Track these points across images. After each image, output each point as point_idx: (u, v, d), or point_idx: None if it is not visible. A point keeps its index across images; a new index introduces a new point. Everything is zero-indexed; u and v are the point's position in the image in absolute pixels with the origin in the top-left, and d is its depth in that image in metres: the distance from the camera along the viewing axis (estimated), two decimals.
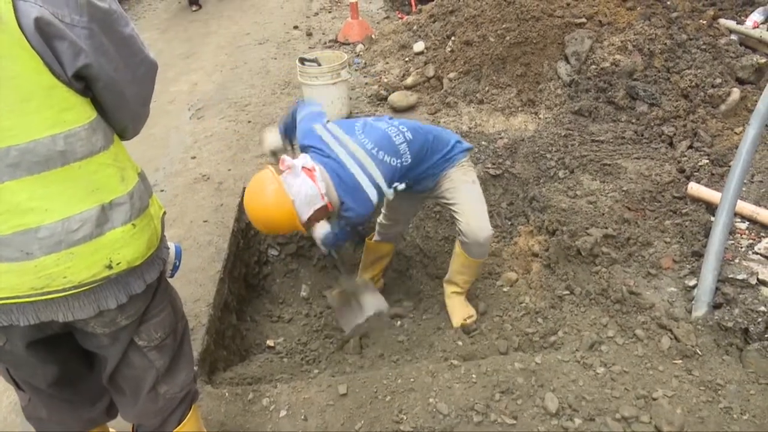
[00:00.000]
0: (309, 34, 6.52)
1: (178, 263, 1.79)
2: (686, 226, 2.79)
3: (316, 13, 7.41)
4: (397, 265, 3.45)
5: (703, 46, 4.03)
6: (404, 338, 2.84)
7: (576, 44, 4.20)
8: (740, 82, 3.91)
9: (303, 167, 2.12)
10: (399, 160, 2.24)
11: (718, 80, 3.78)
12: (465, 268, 2.71)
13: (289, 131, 2.61)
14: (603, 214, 2.94)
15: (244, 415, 2.15)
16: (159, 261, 1.40)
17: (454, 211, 2.51)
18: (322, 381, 2.29)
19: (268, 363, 2.76)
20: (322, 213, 2.17)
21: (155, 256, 1.37)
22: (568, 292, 2.70)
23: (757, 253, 2.50)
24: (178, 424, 1.62)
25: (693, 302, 2.37)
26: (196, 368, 2.27)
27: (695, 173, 3.20)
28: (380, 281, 3.24)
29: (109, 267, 1.24)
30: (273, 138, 2.65)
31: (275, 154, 2.66)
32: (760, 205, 2.75)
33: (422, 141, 2.36)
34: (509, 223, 3.40)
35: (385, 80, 4.91)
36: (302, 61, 4.24)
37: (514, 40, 4.33)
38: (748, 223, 2.72)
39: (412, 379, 2.21)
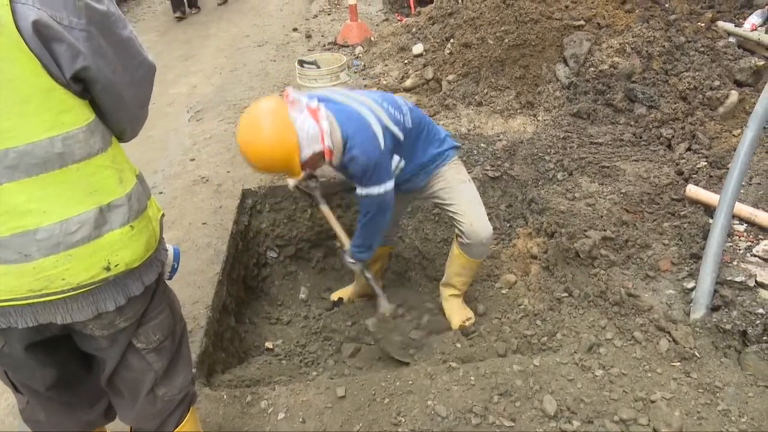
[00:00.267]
0: (308, 37, 6.53)
1: (176, 265, 1.79)
2: (684, 229, 2.79)
3: (316, 16, 7.43)
4: (396, 267, 3.46)
5: (702, 49, 4.04)
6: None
7: (574, 47, 4.21)
8: (738, 84, 3.92)
9: (308, 106, 2.03)
10: (402, 117, 2.22)
11: (717, 83, 3.78)
12: (464, 269, 2.71)
13: None
14: (601, 216, 2.94)
15: (242, 418, 2.15)
16: (157, 263, 1.40)
17: (453, 212, 2.49)
18: (320, 383, 2.28)
19: (266, 365, 2.76)
20: (318, 159, 2.07)
21: (154, 257, 1.37)
22: (566, 294, 2.70)
23: (755, 256, 2.50)
24: (176, 427, 1.62)
25: (691, 304, 2.37)
26: (194, 370, 2.27)
27: (693, 175, 3.21)
28: (379, 283, 3.24)
29: (108, 269, 1.24)
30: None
31: (299, 188, 2.61)
32: (758, 208, 2.76)
33: (420, 116, 2.36)
34: (508, 225, 3.41)
35: (384, 82, 4.92)
36: (301, 63, 4.24)
37: (512, 42, 4.33)
38: (746, 225, 2.73)
39: (410, 382, 2.21)
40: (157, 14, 7.99)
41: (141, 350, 1.45)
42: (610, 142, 3.67)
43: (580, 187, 3.23)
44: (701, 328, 2.28)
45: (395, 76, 5.00)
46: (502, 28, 4.41)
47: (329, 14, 7.44)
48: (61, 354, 1.45)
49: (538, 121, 4.07)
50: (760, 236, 2.63)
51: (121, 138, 1.33)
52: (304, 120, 1.96)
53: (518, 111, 4.21)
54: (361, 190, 2.19)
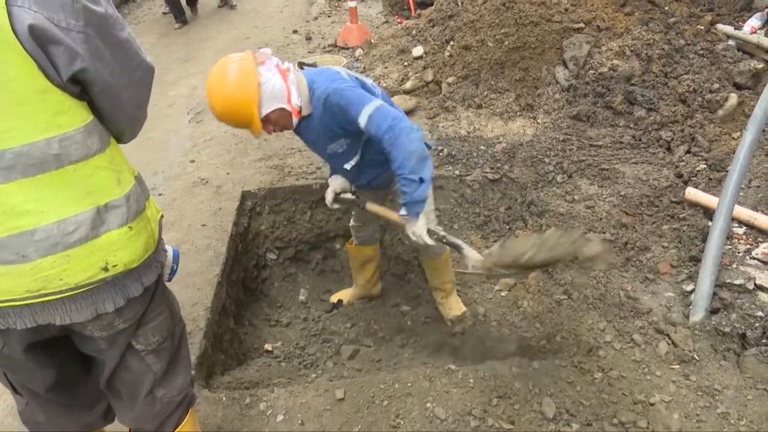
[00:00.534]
0: (308, 39, 6.54)
1: (175, 267, 1.79)
2: (684, 231, 2.79)
3: (316, 18, 7.43)
4: (396, 270, 3.46)
5: (701, 52, 4.05)
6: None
7: (574, 49, 4.21)
8: (738, 87, 3.92)
9: (277, 66, 2.06)
10: (374, 90, 2.23)
11: (716, 85, 3.79)
12: (434, 270, 2.79)
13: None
14: (601, 218, 2.94)
15: (241, 420, 2.14)
16: (156, 264, 1.40)
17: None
18: (319, 385, 2.28)
19: (265, 367, 2.75)
20: (283, 117, 2.07)
21: (152, 259, 1.38)
22: (565, 296, 2.70)
23: (754, 258, 2.51)
24: (175, 428, 1.62)
25: (690, 307, 2.37)
26: (193, 372, 2.27)
27: (693, 178, 3.21)
28: (378, 285, 3.24)
29: (105, 269, 1.24)
30: (335, 183, 2.49)
31: (338, 200, 2.50)
32: (757, 210, 2.76)
33: (390, 103, 2.31)
34: (507, 227, 3.41)
35: (384, 85, 4.92)
36: (301, 65, 4.24)
37: (512, 45, 4.34)
38: (745, 228, 2.73)
39: (409, 384, 2.21)
40: (158, 16, 7.99)
41: (140, 352, 1.45)
42: (609, 145, 3.67)
43: (580, 189, 3.24)
44: (700, 330, 2.28)
45: (395, 78, 5.00)
46: (502, 31, 4.42)
47: (329, 16, 7.45)
48: (60, 355, 1.45)
49: (538, 123, 4.07)
50: (760, 239, 2.64)
51: (120, 139, 1.34)
52: (271, 77, 2.00)
53: (518, 113, 4.21)
54: (361, 121, 2.01)
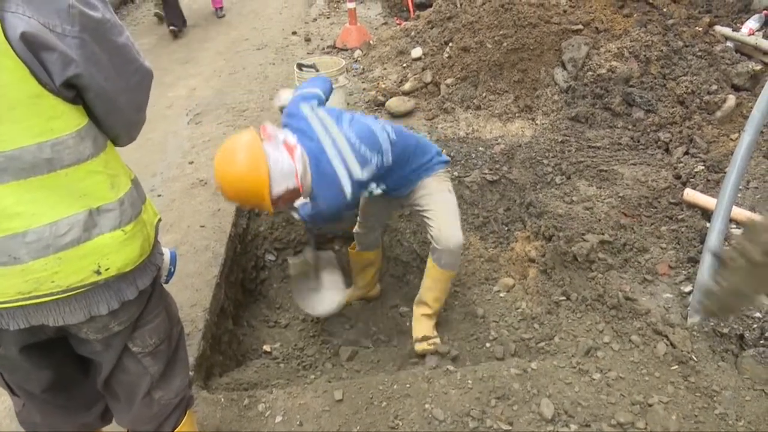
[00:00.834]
0: (307, 40, 6.55)
1: (173, 269, 1.79)
2: (682, 232, 2.80)
3: (315, 19, 7.44)
4: (394, 271, 3.46)
5: (699, 53, 4.06)
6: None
7: (573, 51, 4.22)
8: (736, 88, 3.93)
9: (285, 142, 2.05)
10: (380, 158, 2.19)
11: (714, 87, 3.80)
12: (435, 282, 2.62)
13: None
14: (599, 219, 2.95)
15: (239, 421, 2.14)
16: (152, 267, 1.40)
17: (426, 218, 2.46)
18: (318, 386, 2.28)
19: (264, 368, 2.75)
20: (292, 195, 2.09)
21: (148, 262, 1.37)
22: (564, 297, 2.70)
23: None
24: (173, 430, 1.61)
25: (689, 308, 2.37)
26: (191, 373, 2.27)
27: (691, 179, 3.21)
28: (376, 287, 3.24)
29: (98, 272, 1.24)
30: (287, 96, 2.54)
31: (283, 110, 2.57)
32: (755, 211, 2.77)
33: (404, 145, 2.34)
34: (506, 228, 3.41)
35: (383, 86, 4.93)
36: (300, 66, 4.24)
37: (511, 46, 4.35)
38: (743, 229, 2.73)
39: (408, 385, 2.21)
40: (156, 18, 7.99)
41: (137, 354, 1.44)
42: (608, 146, 3.68)
43: (578, 190, 3.24)
44: (698, 331, 2.28)
45: (394, 79, 5.01)
46: (501, 32, 4.42)
47: (328, 18, 7.46)
48: (56, 357, 1.45)
49: (537, 124, 4.08)
50: None
51: (117, 143, 1.33)
52: (279, 157, 1.99)
53: (516, 115, 4.22)
54: (304, 207, 2.22)
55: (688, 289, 2.48)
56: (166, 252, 1.73)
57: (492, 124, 4.16)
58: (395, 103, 4.47)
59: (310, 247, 2.73)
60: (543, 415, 2.04)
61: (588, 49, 4.22)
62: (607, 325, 2.44)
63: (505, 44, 4.36)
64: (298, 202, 2.23)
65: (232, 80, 5.60)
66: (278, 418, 2.13)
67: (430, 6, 5.83)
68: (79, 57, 1.09)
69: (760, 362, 2.12)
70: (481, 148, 3.81)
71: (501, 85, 4.38)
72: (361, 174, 2.12)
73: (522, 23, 4.40)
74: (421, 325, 2.71)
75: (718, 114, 3.71)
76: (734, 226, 2.74)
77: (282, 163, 1.98)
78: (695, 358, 2.21)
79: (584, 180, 3.34)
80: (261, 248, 3.52)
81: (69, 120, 1.14)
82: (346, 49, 6.04)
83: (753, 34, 4.29)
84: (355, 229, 2.88)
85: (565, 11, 4.50)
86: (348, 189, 2.10)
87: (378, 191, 2.30)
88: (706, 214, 2.86)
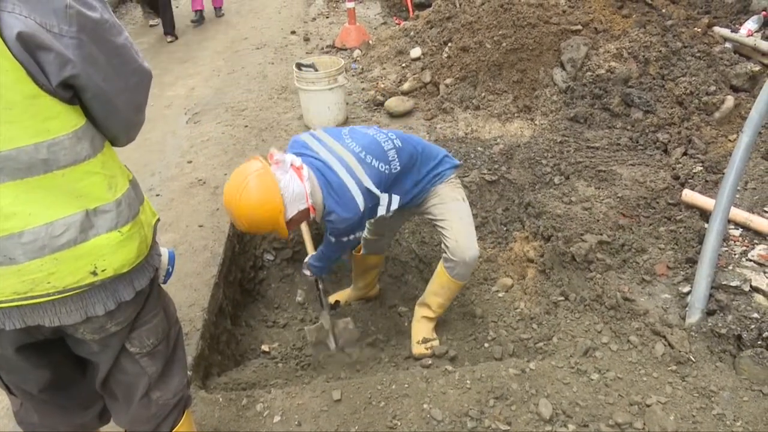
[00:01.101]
0: (306, 40, 6.54)
1: (171, 269, 1.78)
2: (680, 233, 2.80)
3: (314, 19, 7.44)
4: (393, 271, 3.46)
5: (698, 54, 4.06)
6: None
7: (572, 51, 4.23)
8: (734, 89, 3.94)
9: (292, 164, 2.07)
10: (387, 166, 2.21)
11: (713, 88, 3.80)
12: (443, 289, 2.60)
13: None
14: (598, 220, 2.95)
15: (237, 421, 2.14)
16: (149, 268, 1.39)
17: (442, 228, 2.46)
18: (316, 386, 2.28)
19: (262, 368, 2.75)
20: (304, 215, 2.11)
21: (145, 263, 1.36)
22: (562, 298, 2.71)
23: (750, 260, 2.51)
24: (171, 430, 1.61)
25: (687, 309, 2.37)
26: (190, 373, 2.27)
27: (689, 180, 3.22)
28: (375, 287, 3.24)
29: (94, 273, 1.23)
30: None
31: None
32: (753, 212, 2.77)
33: (411, 150, 2.35)
34: (505, 228, 3.41)
35: (382, 86, 4.93)
36: (299, 66, 4.24)
37: (510, 46, 4.35)
38: (741, 230, 2.73)
39: (406, 385, 2.21)
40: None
41: (134, 354, 1.44)
42: (606, 147, 3.68)
43: (577, 191, 3.24)
44: (696, 332, 2.29)
45: (393, 79, 5.01)
46: (500, 32, 4.43)
47: (327, 17, 7.46)
48: (54, 356, 1.45)
49: (536, 125, 4.08)
50: (756, 241, 2.64)
51: (115, 143, 1.32)
52: (289, 180, 2.02)
53: (515, 115, 4.22)
54: (328, 225, 2.23)
55: (686, 289, 2.48)
56: (165, 252, 1.72)
57: (491, 124, 4.16)
58: (394, 103, 4.47)
59: (325, 312, 2.77)
60: (541, 415, 2.04)
61: (587, 49, 4.22)
62: (605, 326, 2.44)
63: (504, 44, 4.37)
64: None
65: (231, 80, 5.60)
66: (276, 418, 2.13)
67: (430, 6, 5.84)
68: (76, 57, 1.08)
69: (757, 363, 2.12)
70: (479, 148, 3.81)
71: (500, 86, 4.38)
72: (371, 184, 2.14)
73: (521, 23, 4.40)
74: (421, 328, 2.71)
75: (717, 115, 3.71)
76: (732, 226, 2.75)
77: (293, 187, 2.02)
78: (693, 359, 2.21)
79: (583, 180, 3.34)
80: (259, 248, 3.52)
81: (66, 120, 1.14)
82: (345, 49, 6.04)
83: (752, 35, 4.30)
84: (365, 235, 2.84)
85: (564, 11, 4.50)
86: (360, 199, 2.12)
87: (395, 205, 2.29)
88: (705, 214, 2.86)
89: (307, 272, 2.69)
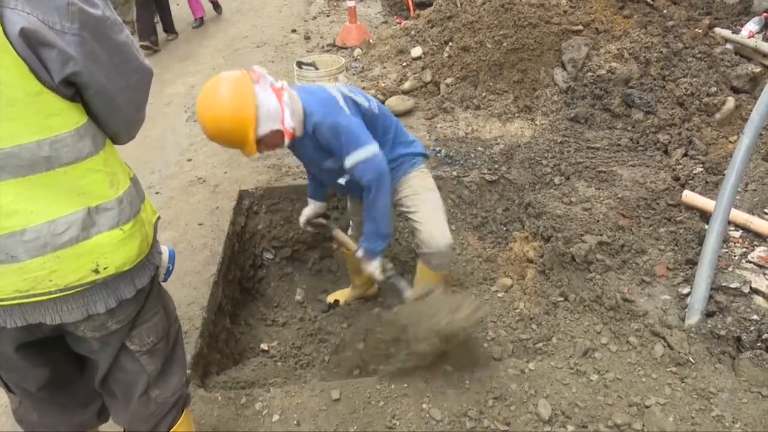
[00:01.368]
0: (307, 38, 6.54)
1: (171, 267, 1.78)
2: (680, 234, 2.80)
3: (315, 17, 7.43)
4: None
5: (699, 55, 4.06)
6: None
7: (573, 51, 4.22)
8: (735, 90, 3.94)
9: (271, 85, 2.04)
10: (368, 102, 2.27)
11: (713, 89, 3.80)
12: (426, 274, 2.58)
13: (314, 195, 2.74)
14: (598, 221, 2.95)
15: (236, 420, 2.14)
16: (150, 266, 1.39)
17: (414, 220, 2.44)
18: (315, 386, 2.28)
19: (261, 367, 2.75)
20: (277, 138, 2.06)
21: (146, 261, 1.36)
22: (562, 298, 2.70)
23: (750, 262, 2.51)
24: (170, 428, 1.61)
25: (686, 310, 2.37)
26: (189, 372, 2.26)
27: (690, 181, 3.22)
28: (374, 286, 3.24)
29: (96, 271, 1.23)
30: (307, 210, 2.77)
31: (310, 224, 2.80)
32: (753, 214, 2.77)
33: (388, 113, 2.42)
34: (504, 228, 3.41)
35: (383, 85, 4.92)
36: (299, 64, 4.24)
37: (511, 46, 4.35)
38: (741, 231, 2.73)
39: (405, 385, 2.21)
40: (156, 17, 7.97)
41: (134, 352, 1.44)
42: (607, 147, 3.68)
43: (577, 191, 3.24)
44: (696, 333, 2.28)
45: (393, 78, 5.00)
46: (501, 32, 4.42)
47: (328, 16, 7.45)
48: (53, 355, 1.44)
49: (536, 125, 4.08)
50: (755, 242, 2.64)
51: (116, 141, 1.32)
52: (267, 97, 1.98)
53: (516, 115, 4.22)
54: (347, 161, 2.11)
55: (686, 290, 2.48)
56: (165, 250, 1.72)
57: (491, 124, 4.16)
58: (394, 102, 4.47)
59: (407, 289, 2.41)
60: (540, 415, 2.04)
61: (588, 49, 4.22)
62: (604, 326, 2.44)
63: (505, 44, 4.36)
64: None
65: None
66: (275, 417, 2.13)
67: (431, 5, 5.83)
68: (78, 54, 1.08)
69: (756, 364, 2.13)
70: (480, 148, 3.81)
71: (501, 85, 4.38)
72: (351, 94, 2.18)
73: (522, 23, 4.40)
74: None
75: (717, 116, 3.71)
76: (732, 228, 2.75)
77: (269, 104, 1.98)
78: (692, 360, 2.21)
79: (583, 181, 3.34)
80: (259, 246, 3.52)
81: (68, 118, 1.14)
82: (346, 48, 6.03)
83: (753, 36, 4.29)
84: (350, 232, 2.88)
85: (565, 12, 4.50)
86: (341, 100, 2.11)
87: (345, 179, 2.29)
88: (705, 216, 2.86)
89: (371, 267, 2.35)
